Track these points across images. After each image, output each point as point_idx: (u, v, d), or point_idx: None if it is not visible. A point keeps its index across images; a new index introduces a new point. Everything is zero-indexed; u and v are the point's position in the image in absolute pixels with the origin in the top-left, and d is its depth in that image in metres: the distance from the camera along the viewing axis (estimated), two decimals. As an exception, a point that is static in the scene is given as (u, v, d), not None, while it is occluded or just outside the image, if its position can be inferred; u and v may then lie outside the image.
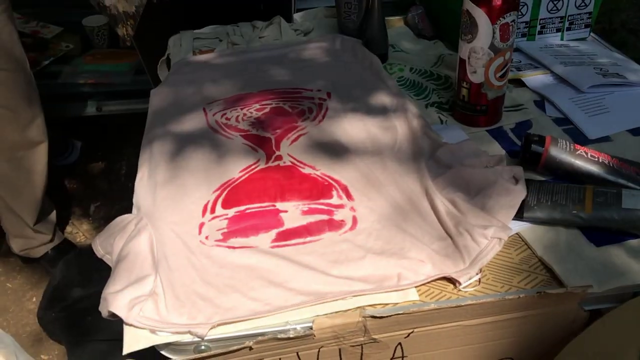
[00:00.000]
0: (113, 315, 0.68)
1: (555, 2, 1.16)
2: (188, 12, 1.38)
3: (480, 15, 0.86)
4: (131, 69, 2.00)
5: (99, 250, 0.80)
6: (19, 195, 1.70)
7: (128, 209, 0.84)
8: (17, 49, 1.52)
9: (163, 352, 0.66)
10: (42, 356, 1.60)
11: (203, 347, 0.65)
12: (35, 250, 1.81)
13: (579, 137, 0.92)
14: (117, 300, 0.67)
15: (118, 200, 2.14)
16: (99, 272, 1.66)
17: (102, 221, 2.05)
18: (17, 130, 1.58)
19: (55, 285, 1.63)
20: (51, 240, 1.82)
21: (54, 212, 1.85)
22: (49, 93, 1.81)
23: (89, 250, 1.70)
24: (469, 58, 0.91)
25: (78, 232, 2.01)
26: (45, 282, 1.76)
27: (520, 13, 1.13)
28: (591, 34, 1.22)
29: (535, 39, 1.20)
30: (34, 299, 1.78)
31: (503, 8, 0.85)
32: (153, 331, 0.65)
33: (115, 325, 1.53)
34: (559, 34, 1.20)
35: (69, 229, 2.02)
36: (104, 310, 0.69)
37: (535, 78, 1.08)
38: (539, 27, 1.18)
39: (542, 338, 0.71)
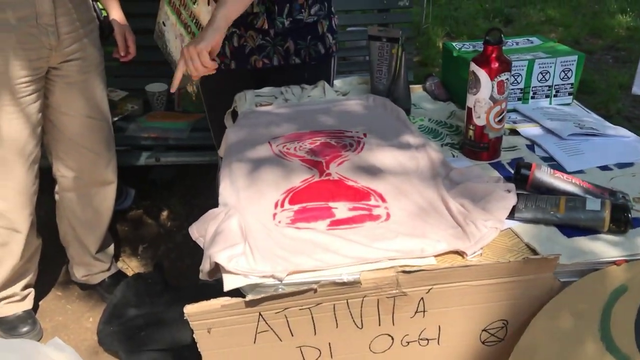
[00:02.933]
0: (215, 266, 0.93)
1: (544, 74, 1.47)
2: (248, 79, 1.70)
3: (482, 74, 1.17)
4: (187, 127, 2.34)
5: (194, 234, 1.06)
6: (87, 227, 1.98)
7: (171, 252, 1.07)
8: (104, 103, 1.86)
9: (249, 295, 0.91)
10: (98, 366, 1.81)
11: (280, 289, 0.90)
12: (95, 277, 2.07)
13: (560, 170, 1.19)
14: (219, 255, 0.93)
15: (163, 242, 2.41)
16: (150, 297, 1.94)
17: (149, 260, 2.31)
18: (96, 170, 1.88)
19: (115, 304, 1.87)
20: (108, 269, 2.08)
21: (112, 245, 2.12)
22: (116, 144, 2.13)
23: (144, 277, 1.97)
24: (474, 106, 1.21)
25: (128, 267, 2.27)
26: (101, 306, 2.00)
27: (516, 81, 1.45)
28: (574, 100, 1.53)
29: (529, 102, 1.50)
30: (91, 319, 2.00)
31: (499, 69, 1.16)
32: (246, 275, 0.90)
33: (166, 337, 1.79)
34: (548, 99, 1.51)
35: (120, 264, 2.27)
36: (206, 264, 0.94)
37: (527, 129, 1.37)
38: (531, 93, 1.49)
39: (528, 303, 0.95)
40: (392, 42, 1.48)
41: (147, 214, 2.56)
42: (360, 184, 1.14)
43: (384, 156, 1.23)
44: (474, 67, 1.18)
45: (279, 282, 0.90)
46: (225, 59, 1.65)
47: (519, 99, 1.49)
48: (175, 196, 2.66)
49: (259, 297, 0.89)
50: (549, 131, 1.35)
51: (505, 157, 1.26)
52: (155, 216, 2.55)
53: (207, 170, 2.43)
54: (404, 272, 0.90)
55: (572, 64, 1.47)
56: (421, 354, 0.99)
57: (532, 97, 1.50)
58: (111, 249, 2.11)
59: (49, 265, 2.13)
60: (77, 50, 1.69)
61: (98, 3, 1.85)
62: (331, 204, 1.08)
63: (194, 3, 1.55)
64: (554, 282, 0.94)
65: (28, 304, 1.95)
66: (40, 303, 2.06)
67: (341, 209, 1.06)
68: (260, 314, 0.91)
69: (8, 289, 1.88)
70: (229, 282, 0.91)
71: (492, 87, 1.17)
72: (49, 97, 1.72)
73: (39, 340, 1.91)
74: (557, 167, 1.21)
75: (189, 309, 0.90)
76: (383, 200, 1.09)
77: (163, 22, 1.71)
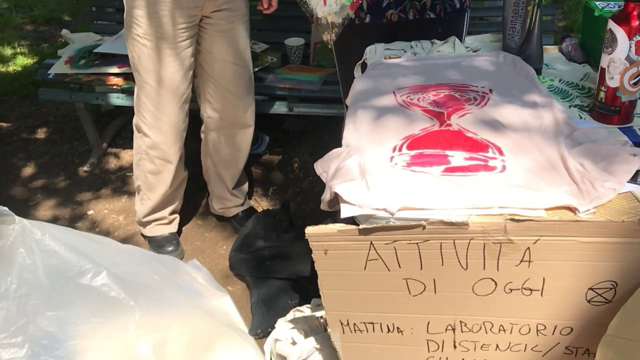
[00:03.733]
0: (335, 198, 1.04)
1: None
2: (380, 33, 1.76)
3: (620, 33, 1.13)
4: (320, 80, 2.46)
5: (318, 169, 1.17)
6: (227, 164, 2.20)
7: (298, 195, 1.15)
8: (247, 52, 2.03)
9: (362, 225, 1.00)
10: (229, 287, 2.04)
11: (391, 222, 0.99)
12: (230, 210, 2.30)
13: (699, 138, 1.13)
14: (339, 187, 1.03)
15: (291, 187, 2.60)
16: (277, 231, 2.12)
17: (277, 201, 2.50)
18: (237, 113, 2.08)
19: (245, 234, 2.08)
20: (242, 204, 2.31)
21: (247, 184, 2.34)
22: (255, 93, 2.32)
23: (273, 213, 2.15)
24: (608, 67, 1.18)
25: (259, 206, 2.48)
26: (234, 236, 2.23)
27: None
28: None
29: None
30: (224, 247, 2.25)
31: (639, 28, 1.12)
32: (361, 207, 1.00)
33: (288, 268, 1.96)
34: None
35: (252, 202, 2.49)
36: (327, 194, 1.05)
37: (669, 95, 1.30)
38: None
39: (640, 265, 0.94)
40: (528, -1, 1.45)
41: (278, 160, 2.76)
42: (479, 136, 1.17)
43: (507, 112, 1.24)
44: (611, 24, 1.15)
45: (390, 216, 0.99)
46: (360, 12, 1.72)
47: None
48: (304, 146, 2.83)
49: (371, 226, 0.99)
50: (693, 98, 1.27)
51: (637, 123, 1.21)
52: (285, 163, 2.74)
53: (335, 123, 2.55)
54: (512, 220, 0.94)
55: None
56: (523, 303, 1.02)
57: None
58: (245, 186, 2.33)
59: (192, 197, 2.40)
60: (227, 1, 1.86)
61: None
62: (448, 152, 1.13)
63: None
64: (671, 247, 0.92)
65: (174, 227, 2.24)
66: (183, 228, 2.35)
67: (457, 157, 1.11)
68: (371, 243, 1.01)
69: (158, 213, 2.17)
70: (346, 211, 1.01)
71: (630, 47, 1.13)
72: (200, 44, 1.92)
73: (180, 260, 2.18)
74: (697, 135, 1.15)
75: (310, 230, 1.02)
76: (500, 153, 1.12)
77: None
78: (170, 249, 2.18)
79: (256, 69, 2.53)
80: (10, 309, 1.56)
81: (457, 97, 1.33)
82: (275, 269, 1.93)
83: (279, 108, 2.46)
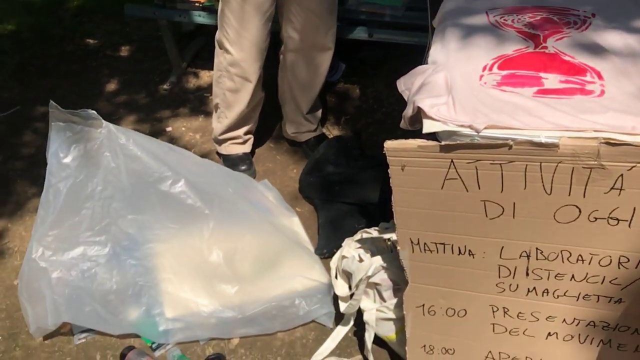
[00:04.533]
0: (416, 114, 1.01)
1: None
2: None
3: None
4: (403, 5, 2.37)
5: (401, 86, 1.14)
6: (303, 87, 2.19)
7: (370, 125, 1.10)
8: (332, -28, 1.97)
9: (444, 142, 0.98)
10: (297, 208, 2.07)
11: (476, 140, 0.95)
12: (302, 135, 2.31)
13: None
14: (423, 102, 1.00)
15: (364, 117, 2.56)
16: (347, 158, 2.11)
17: (349, 130, 2.49)
18: (318, 34, 2.04)
19: (317, 159, 2.09)
20: (315, 130, 2.31)
21: (321, 110, 2.33)
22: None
23: (345, 140, 2.14)
24: None
25: (331, 134, 2.47)
26: (304, 161, 2.25)
27: None
28: None
29: None
30: (295, 171, 2.28)
31: None
32: (445, 122, 0.97)
33: (356, 193, 1.96)
34: None
35: (324, 130, 2.48)
36: (409, 109, 1.03)
37: None
38: None
39: None
40: None
41: (352, 89, 2.72)
42: (577, 60, 1.10)
43: (611, 36, 1.15)
44: None
45: (476, 134, 0.95)
46: None
47: None
48: (380, 76, 2.77)
49: (453, 143, 0.96)
50: None
51: None
52: (360, 92, 2.70)
53: (416, 54, 2.47)
54: (607, 143, 0.89)
55: None
56: (608, 233, 0.98)
57: None
58: (319, 112, 2.32)
59: (267, 120, 2.42)
60: None
61: None
62: (542, 74, 1.07)
63: None
64: None
65: (247, 147, 2.28)
66: (256, 150, 2.39)
67: (552, 80, 1.05)
68: (452, 161, 0.98)
69: (234, 132, 2.21)
70: (428, 126, 0.98)
71: None
72: (285, -38, 1.88)
73: (253, 178, 2.24)
74: None
75: (389, 144, 1.00)
76: (600, 77, 1.04)
77: None
78: (243, 167, 2.23)
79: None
80: (96, 210, 1.67)
81: (555, 20, 1.24)
82: (343, 193, 1.95)
83: (359, 33, 2.40)
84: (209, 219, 1.65)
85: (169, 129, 2.59)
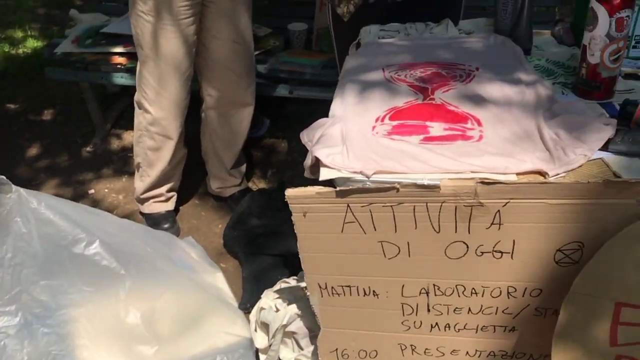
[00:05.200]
0: (316, 163, 1.07)
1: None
2: (379, 13, 1.79)
3: (601, 10, 1.15)
4: (320, 64, 2.50)
5: (304, 138, 1.21)
6: (225, 143, 2.23)
7: (295, 178, 1.17)
8: (248, 32, 2.07)
9: (340, 187, 1.04)
10: (222, 264, 2.08)
11: (367, 184, 1.02)
12: (227, 190, 2.34)
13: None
14: (320, 151, 1.06)
15: (289, 169, 2.63)
16: (271, 210, 2.15)
17: (275, 183, 2.54)
18: (237, 91, 2.12)
19: (240, 212, 2.12)
20: (239, 185, 2.34)
21: (245, 164, 2.38)
22: (255, 75, 2.35)
23: (268, 192, 2.18)
24: (589, 44, 1.20)
25: (257, 188, 2.51)
26: (229, 216, 2.27)
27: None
28: None
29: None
30: (220, 226, 2.29)
31: (620, 5, 1.14)
32: (339, 170, 1.03)
33: (280, 245, 1.98)
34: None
35: (250, 184, 2.52)
36: (309, 160, 1.09)
37: (652, 74, 1.32)
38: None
39: (607, 228, 0.97)
40: (519, -18, 1.47)
41: (278, 143, 2.80)
42: (460, 109, 1.20)
43: (491, 88, 1.27)
44: (593, 3, 1.17)
45: (366, 179, 1.02)
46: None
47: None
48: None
49: (347, 188, 1.02)
50: (676, 78, 1.29)
51: (618, 99, 1.23)
52: (285, 146, 2.78)
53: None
54: (482, 183, 0.97)
55: None
56: (494, 266, 1.05)
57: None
58: (243, 167, 2.37)
59: (191, 176, 2.44)
60: (229, -20, 1.90)
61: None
62: (428, 123, 1.16)
63: None
64: (637, 209, 0.94)
65: (171, 205, 2.28)
66: (180, 207, 2.39)
67: (437, 128, 1.14)
68: (348, 205, 1.04)
69: (156, 190, 2.22)
70: (324, 174, 1.04)
71: (610, 24, 1.15)
72: (202, 22, 1.95)
73: (177, 236, 2.22)
74: (675, 112, 1.17)
75: (289, 192, 1.05)
76: (480, 124, 1.14)
77: None
78: (166, 226, 2.22)
79: (258, 52, 2.57)
80: (5, 278, 1.61)
81: (444, 74, 1.36)
82: (267, 245, 1.97)
83: (280, 91, 2.49)
84: (125, 279, 1.62)
85: (91, 191, 2.56)
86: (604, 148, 1.03)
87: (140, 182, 2.21)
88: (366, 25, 1.72)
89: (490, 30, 1.66)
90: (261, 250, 1.97)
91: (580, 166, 1.00)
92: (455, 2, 1.75)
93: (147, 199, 2.24)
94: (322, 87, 2.46)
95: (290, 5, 2.84)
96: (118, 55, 2.56)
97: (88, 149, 2.82)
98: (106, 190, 2.56)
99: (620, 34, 1.17)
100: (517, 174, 1.00)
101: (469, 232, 1.02)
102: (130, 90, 3.05)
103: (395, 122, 1.17)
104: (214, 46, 1.99)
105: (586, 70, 1.23)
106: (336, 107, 1.26)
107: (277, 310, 1.41)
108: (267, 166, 2.65)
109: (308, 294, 1.20)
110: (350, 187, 1.02)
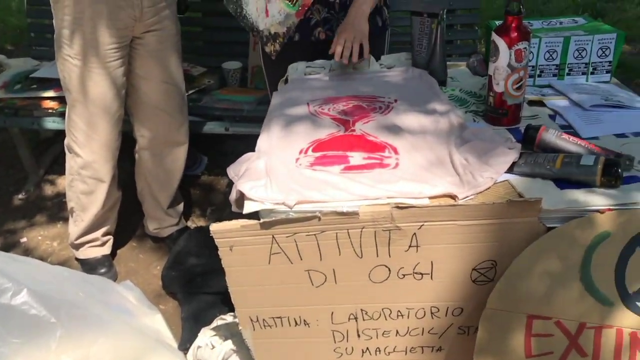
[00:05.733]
0: (241, 197, 1.10)
1: (580, 51, 1.51)
2: (308, 51, 1.86)
3: (501, 43, 1.25)
4: (255, 100, 2.54)
5: (231, 173, 1.23)
6: (161, 183, 2.22)
7: (235, 215, 1.17)
8: (178, 72, 2.09)
9: (264, 219, 1.06)
10: (161, 306, 2.04)
11: (290, 215, 1.05)
12: (164, 230, 2.32)
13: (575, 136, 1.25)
14: (243, 185, 1.09)
15: (229, 206, 2.61)
16: (209, 248, 2.13)
17: (215, 220, 2.52)
18: (170, 131, 2.12)
19: (178, 252, 2.10)
20: (177, 224, 2.33)
21: (182, 203, 2.37)
22: (190, 113, 2.36)
23: (206, 230, 2.17)
24: (494, 74, 1.29)
25: (195, 226, 2.50)
26: (167, 256, 2.24)
27: (551, 57, 1.50)
28: (614, 78, 1.55)
29: (565, 79, 1.54)
30: (158, 267, 2.25)
31: (518, 38, 1.24)
32: (262, 202, 1.06)
33: (219, 283, 1.97)
34: (585, 76, 1.54)
35: (189, 223, 2.51)
36: (233, 194, 1.11)
37: (553, 101, 1.43)
38: (567, 69, 1.53)
39: (516, 246, 1.03)
40: (432, 18, 1.57)
41: (217, 181, 2.80)
42: (379, 139, 1.26)
43: (408, 118, 1.34)
44: (494, 36, 1.27)
45: (289, 209, 1.05)
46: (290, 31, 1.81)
47: (554, 75, 1.54)
48: (244, 168, 2.88)
49: (271, 220, 1.05)
50: (575, 103, 1.40)
51: (524, 124, 1.32)
52: (224, 183, 2.79)
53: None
54: (397, 207, 1.02)
55: (611, 42, 1.50)
56: (416, 287, 1.09)
57: (568, 74, 1.54)
58: (181, 206, 2.35)
59: (127, 219, 2.41)
60: (157, 22, 1.92)
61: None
62: (349, 153, 1.21)
63: None
64: (540, 226, 1.01)
65: (107, 249, 2.23)
66: (117, 250, 2.34)
67: (356, 157, 1.19)
68: (273, 237, 1.06)
69: (91, 234, 2.17)
70: (248, 207, 1.07)
71: (510, 55, 1.25)
72: (131, 64, 1.97)
73: (113, 281, 2.17)
74: (573, 134, 1.26)
75: (214, 226, 1.07)
76: (396, 152, 1.20)
77: None
78: (102, 271, 2.17)
79: (192, 91, 2.59)
80: None
81: (364, 106, 1.42)
82: (206, 283, 1.96)
83: (216, 128, 2.51)
84: (56, 328, 1.57)
85: (23, 240, 2.48)
86: (510, 171, 1.11)
87: (74, 227, 2.16)
88: (294, 62, 1.79)
89: (409, 64, 1.75)
90: (200, 289, 1.95)
91: (488, 188, 1.07)
92: (379, 38, 1.84)
93: (82, 244, 2.18)
94: (258, 123, 2.45)
95: (224, 44, 2.89)
96: (49, 99, 2.52)
97: (20, 196, 2.74)
98: (40, 238, 2.49)
99: (520, 64, 1.26)
100: (430, 197, 1.06)
101: (390, 256, 1.07)
102: (64, 135, 3.01)
103: (317, 154, 1.21)
104: (144, 87, 2.01)
105: (493, 99, 1.31)
106: (262, 141, 1.30)
107: (213, 347, 1.40)
108: (206, 204, 2.65)
109: (241, 328, 1.20)
110: (274, 218, 1.05)
